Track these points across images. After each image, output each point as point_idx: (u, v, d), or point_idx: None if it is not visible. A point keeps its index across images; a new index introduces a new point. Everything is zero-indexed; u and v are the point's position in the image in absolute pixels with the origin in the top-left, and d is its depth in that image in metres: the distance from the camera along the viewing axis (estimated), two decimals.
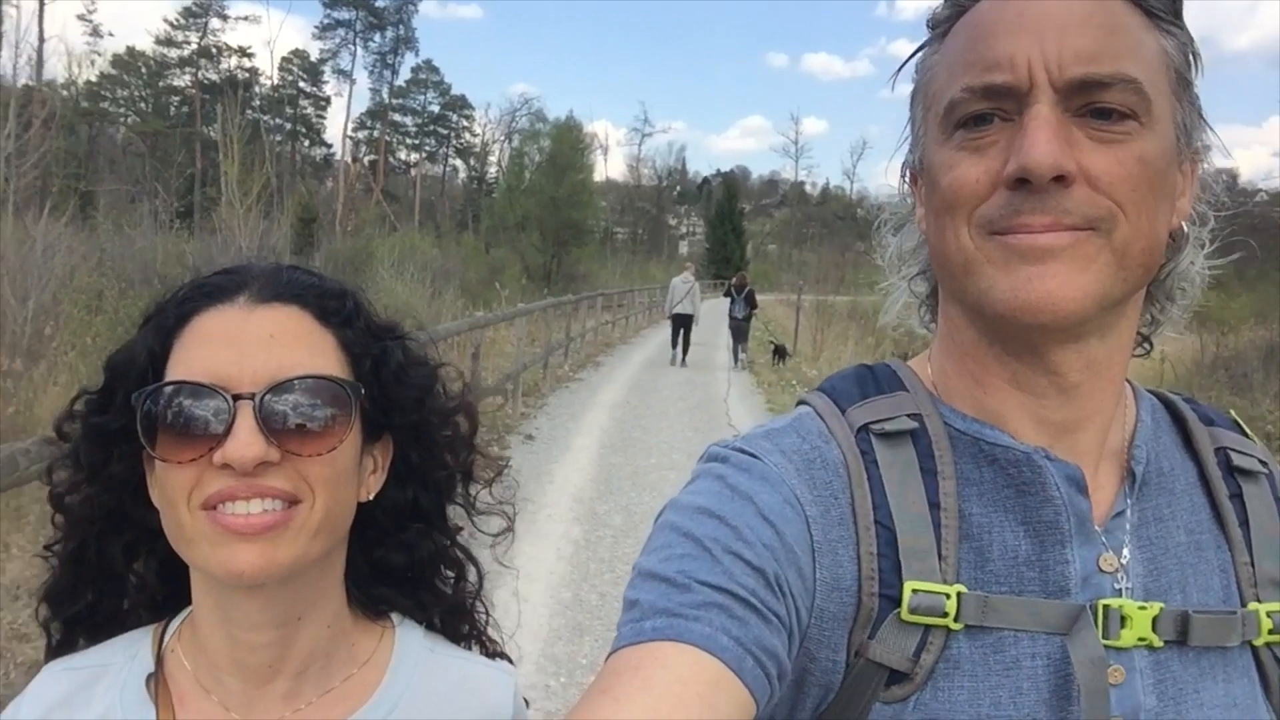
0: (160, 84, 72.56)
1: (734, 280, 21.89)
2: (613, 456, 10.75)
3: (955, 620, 0.85)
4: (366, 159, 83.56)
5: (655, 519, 0.91)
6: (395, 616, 1.14)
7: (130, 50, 70.10)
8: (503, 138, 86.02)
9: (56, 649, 1.09)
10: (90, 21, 62.55)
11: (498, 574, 1.27)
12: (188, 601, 1.05)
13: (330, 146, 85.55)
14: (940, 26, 0.92)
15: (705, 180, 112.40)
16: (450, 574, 1.18)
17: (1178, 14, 0.87)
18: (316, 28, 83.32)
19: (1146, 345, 0.99)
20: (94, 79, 62.25)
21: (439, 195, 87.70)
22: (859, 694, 0.86)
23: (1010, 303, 0.82)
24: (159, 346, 0.98)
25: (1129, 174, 0.80)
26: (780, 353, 21.23)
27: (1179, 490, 0.95)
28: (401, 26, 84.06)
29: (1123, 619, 0.86)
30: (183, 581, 1.04)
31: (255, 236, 18.17)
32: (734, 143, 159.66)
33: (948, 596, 0.85)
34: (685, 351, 20.41)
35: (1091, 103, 0.80)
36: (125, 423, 0.97)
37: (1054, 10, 0.82)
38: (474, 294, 27.81)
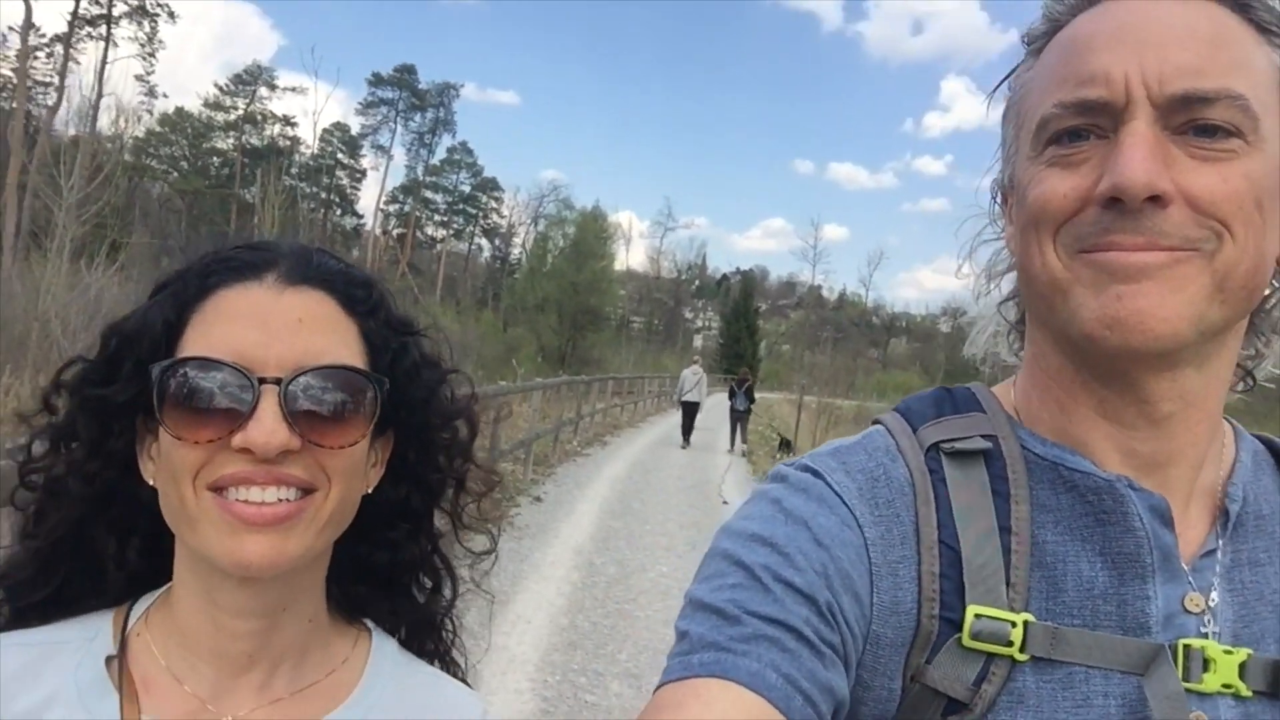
0: (204, 145, 74.99)
1: (736, 376, 24.74)
2: (612, 521, 11.85)
3: (1021, 650, 0.81)
4: (395, 232, 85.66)
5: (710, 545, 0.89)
6: (370, 623, 1.12)
7: (179, 110, 72.68)
8: (529, 221, 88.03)
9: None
10: (147, 82, 65.17)
11: (471, 597, 1.23)
12: (163, 583, 1.03)
13: (361, 217, 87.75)
14: (1036, 43, 0.89)
15: (725, 277, 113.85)
16: (428, 583, 1.17)
17: None
18: (360, 104, 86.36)
19: (1249, 380, 0.93)
20: (140, 134, 64.56)
21: (462, 272, 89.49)
22: None
23: (1099, 322, 0.77)
24: (175, 316, 0.94)
25: (1234, 191, 0.75)
26: (786, 445, 23.29)
27: (1279, 535, 0.89)
28: (442, 109, 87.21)
29: (1206, 661, 0.81)
30: (164, 561, 1.00)
31: None
32: (755, 242, 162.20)
33: (1013, 624, 0.81)
34: (689, 434, 22.59)
35: (1194, 120, 0.76)
36: (132, 396, 0.94)
37: (1155, 24, 0.78)
38: (490, 369, 28.73)
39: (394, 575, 1.13)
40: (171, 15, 60.28)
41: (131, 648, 0.99)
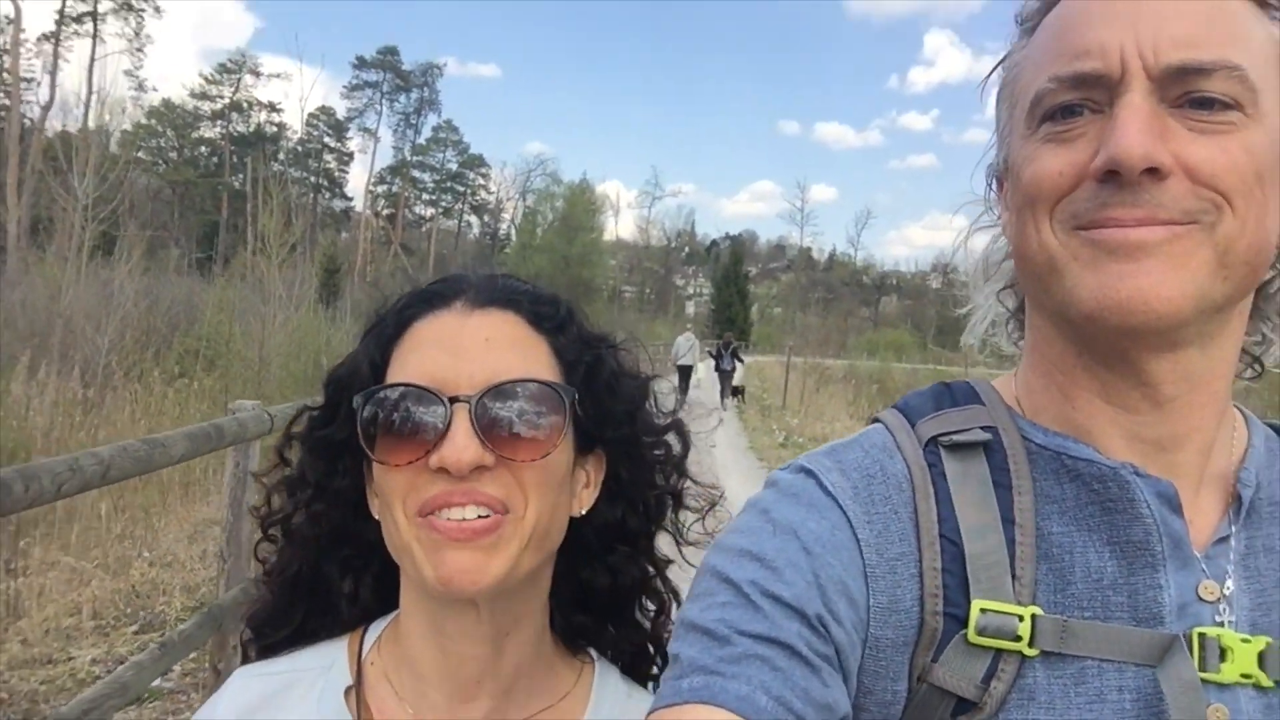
0: (192, 135, 75.46)
1: (721, 341, 28.11)
2: None
3: (1030, 645, 0.79)
4: (385, 213, 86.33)
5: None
6: (593, 653, 1.12)
7: (166, 102, 73.11)
8: (517, 196, 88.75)
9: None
10: (136, 77, 65.69)
11: None
12: (392, 610, 1.07)
13: (350, 200, 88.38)
14: (1028, 21, 0.88)
15: (714, 243, 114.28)
16: (651, 607, 1.16)
17: None
18: (345, 87, 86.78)
19: (1256, 366, 0.91)
20: (129, 128, 65.20)
21: (453, 249, 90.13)
22: None
23: (1098, 302, 0.76)
24: (379, 356, 0.99)
25: (1234, 163, 0.74)
26: (738, 392, 25.98)
27: None
28: (426, 89, 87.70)
29: (1223, 651, 0.79)
30: (393, 595, 1.05)
31: (286, 285, 19.51)
32: (744, 206, 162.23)
33: (1020, 619, 0.79)
34: (685, 394, 23.62)
35: (1190, 92, 0.74)
36: (349, 434, 0.98)
37: None
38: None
39: (616, 600, 1.13)
40: (157, 10, 60.86)
41: (366, 677, 1.03)
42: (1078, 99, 0.79)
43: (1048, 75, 0.80)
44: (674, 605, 1.16)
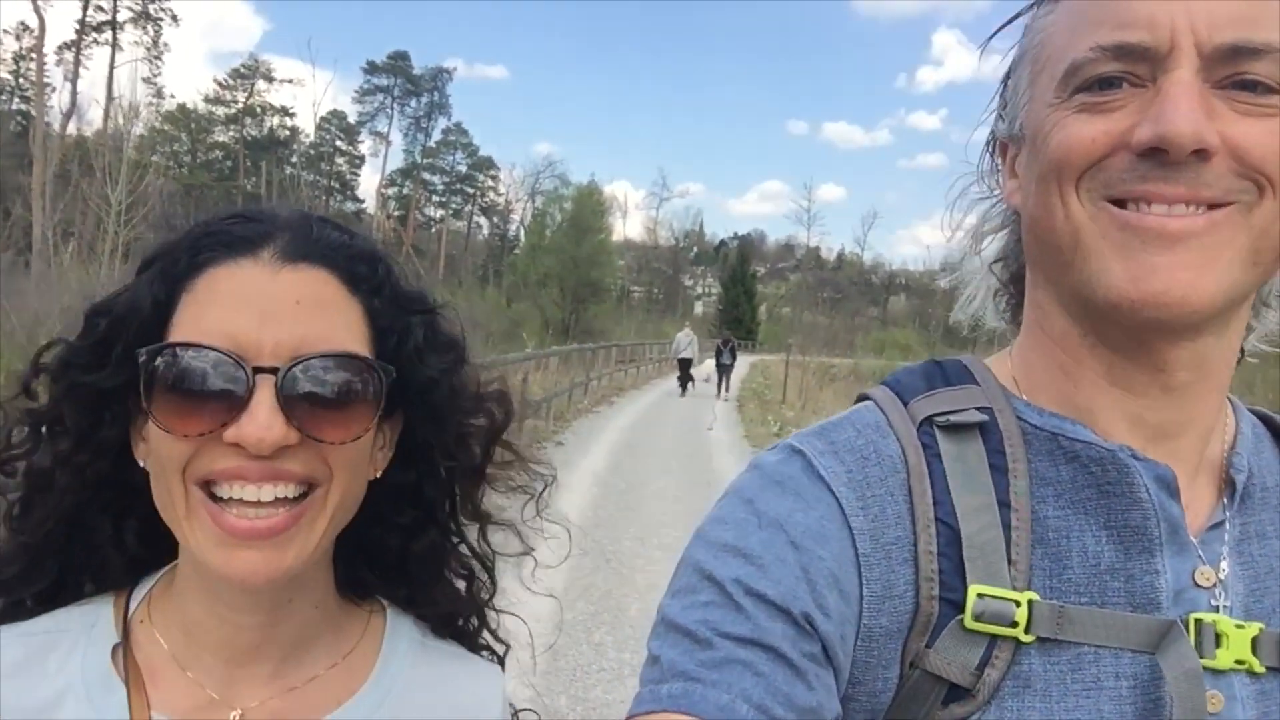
0: (206, 140, 76.73)
1: (720, 339, 31.82)
2: (620, 454, 15.16)
3: (1026, 631, 0.77)
4: (396, 214, 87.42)
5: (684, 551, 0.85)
6: (384, 601, 1.08)
7: (181, 107, 74.32)
8: (526, 197, 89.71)
9: None
10: (155, 84, 66.96)
11: (518, 598, 1.18)
12: (164, 564, 0.98)
13: (362, 201, 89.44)
14: None
15: (722, 242, 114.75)
16: (461, 580, 1.11)
17: None
18: (356, 92, 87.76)
19: (1238, 353, 0.88)
20: (144, 133, 66.41)
21: (463, 250, 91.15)
22: (912, 711, 0.80)
23: (1128, 294, 0.74)
24: (164, 295, 0.88)
25: None
26: (684, 382, 29.30)
27: None
28: (436, 93, 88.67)
29: (1218, 637, 0.79)
30: (164, 542, 0.94)
31: None
32: (752, 206, 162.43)
33: (1017, 604, 0.78)
34: (686, 385, 28.39)
35: (1238, 73, 0.72)
36: (122, 382, 0.88)
37: None
38: (498, 344, 30.76)
39: (408, 564, 1.07)
40: (175, 19, 62.11)
41: (135, 636, 0.95)
42: (1119, 71, 0.76)
43: (1089, 44, 0.77)
44: (487, 578, 1.13)
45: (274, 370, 0.84)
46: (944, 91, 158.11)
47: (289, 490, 0.86)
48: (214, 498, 0.86)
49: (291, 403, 0.84)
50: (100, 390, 0.91)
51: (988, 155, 0.95)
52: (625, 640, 6.50)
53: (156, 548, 0.98)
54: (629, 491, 11.83)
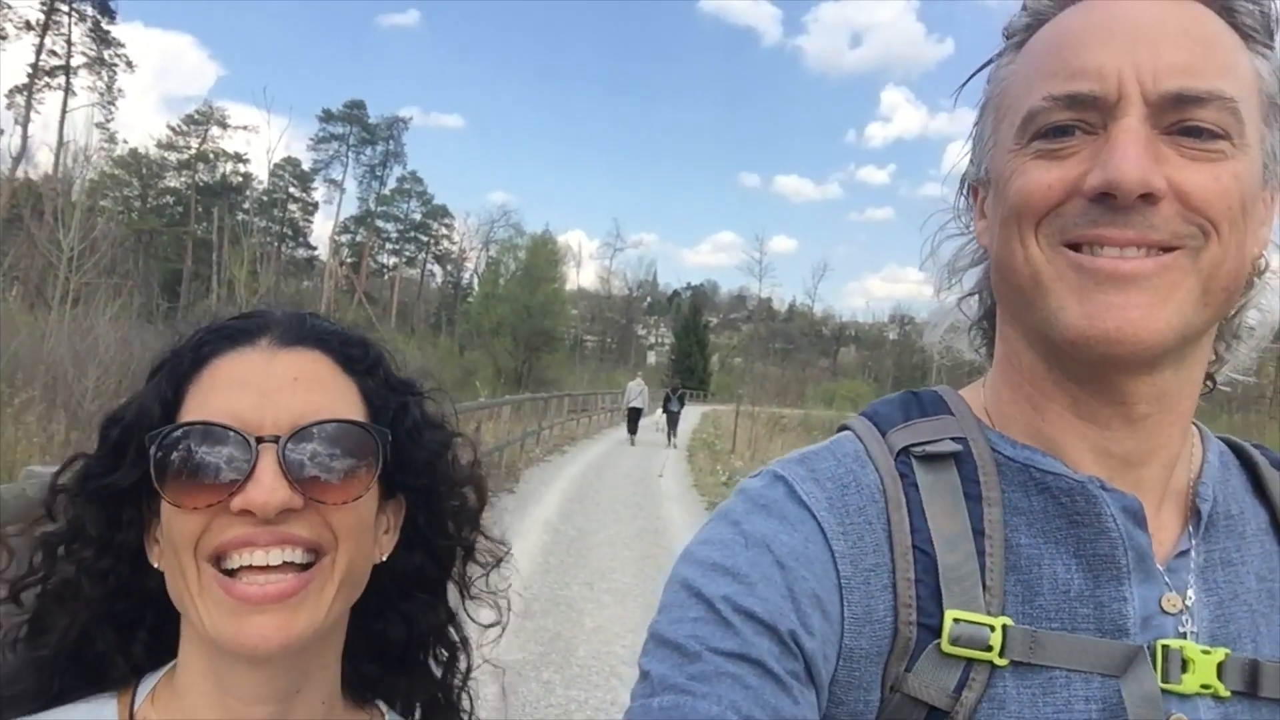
0: (158, 185, 76.10)
1: (669, 387, 32.61)
2: (571, 503, 15.26)
3: (1000, 655, 0.80)
4: (349, 261, 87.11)
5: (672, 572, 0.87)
6: (383, 706, 1.09)
7: (133, 152, 73.79)
8: (480, 246, 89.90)
9: None
10: (107, 129, 66.55)
11: (487, 675, 1.22)
12: (166, 662, 0.99)
13: (315, 249, 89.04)
14: (1017, 36, 0.89)
15: (676, 293, 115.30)
16: (444, 654, 1.14)
17: (1271, 35, 0.82)
18: (311, 139, 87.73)
19: (1208, 383, 0.92)
20: (94, 177, 65.89)
21: (416, 298, 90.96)
22: None
23: (1083, 331, 0.78)
24: (172, 393, 0.93)
25: (1225, 190, 0.76)
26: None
27: (1249, 535, 0.90)
28: (392, 142, 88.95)
29: (1184, 662, 0.81)
30: (167, 648, 0.97)
31: None
32: (705, 257, 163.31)
33: (992, 629, 0.80)
34: (635, 433, 29.21)
35: (1183, 120, 0.76)
36: (136, 480, 0.93)
37: (1147, 21, 0.78)
38: (450, 393, 30.85)
39: (409, 653, 1.11)
40: (130, 64, 61.97)
41: None
42: (1072, 119, 0.79)
43: (1043, 93, 0.81)
44: (463, 654, 1.16)
45: (275, 439, 0.89)
46: (892, 147, 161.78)
47: (296, 555, 0.89)
48: (226, 573, 0.89)
49: (293, 468, 0.89)
50: (117, 491, 0.95)
51: (964, 194, 1.00)
52: (573, 679, 6.73)
53: (160, 655, 1.01)
54: (579, 539, 12.15)
